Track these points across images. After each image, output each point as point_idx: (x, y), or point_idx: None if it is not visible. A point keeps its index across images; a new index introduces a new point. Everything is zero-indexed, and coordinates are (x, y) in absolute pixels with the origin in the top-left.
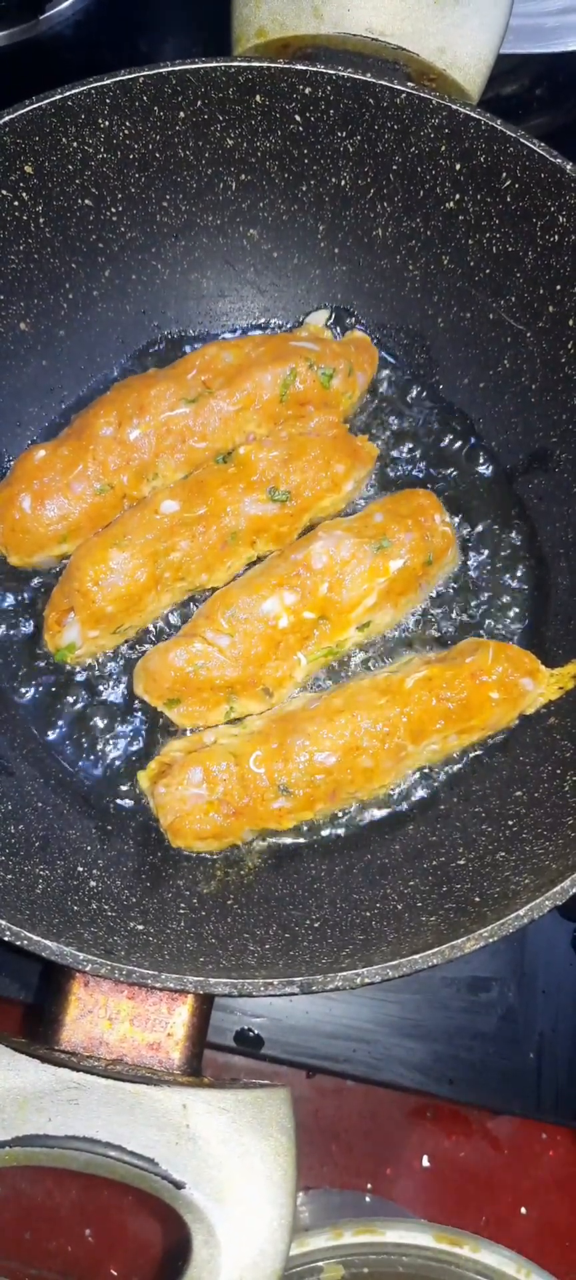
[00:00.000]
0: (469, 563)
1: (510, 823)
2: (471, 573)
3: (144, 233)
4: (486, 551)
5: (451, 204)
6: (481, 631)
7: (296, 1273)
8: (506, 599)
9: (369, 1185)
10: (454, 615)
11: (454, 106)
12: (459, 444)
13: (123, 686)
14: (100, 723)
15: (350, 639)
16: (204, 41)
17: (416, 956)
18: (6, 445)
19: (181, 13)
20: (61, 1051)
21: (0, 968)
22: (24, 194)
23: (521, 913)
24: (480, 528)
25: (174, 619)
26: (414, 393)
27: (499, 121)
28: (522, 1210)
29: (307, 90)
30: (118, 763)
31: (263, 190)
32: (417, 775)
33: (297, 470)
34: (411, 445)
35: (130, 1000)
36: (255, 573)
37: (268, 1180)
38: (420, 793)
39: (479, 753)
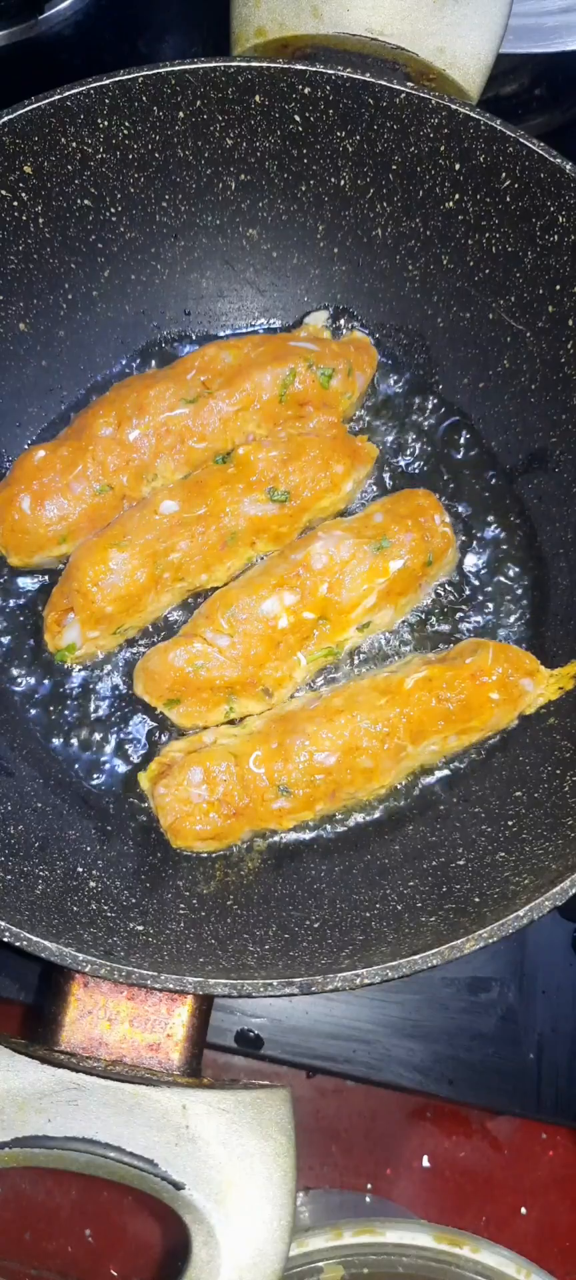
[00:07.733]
0: (469, 563)
1: (510, 823)
2: (471, 573)
3: (143, 233)
4: (486, 552)
5: (451, 204)
6: (481, 631)
7: (296, 1273)
8: (506, 599)
9: (369, 1185)
10: (454, 615)
11: (453, 106)
12: (458, 444)
13: (123, 687)
14: (100, 723)
15: (350, 639)
16: (203, 41)
17: (416, 957)
18: (6, 445)
19: (181, 13)
20: (61, 1052)
21: (0, 968)
22: (23, 194)
23: (521, 913)
24: (480, 528)
25: (174, 619)
26: (413, 393)
27: (498, 121)
28: (522, 1210)
29: (307, 90)
30: (117, 763)
31: (262, 190)
32: (417, 775)
33: (297, 470)
34: (411, 445)
35: (130, 1001)
36: (255, 573)
37: (267, 1181)
38: (420, 793)
39: (479, 753)
